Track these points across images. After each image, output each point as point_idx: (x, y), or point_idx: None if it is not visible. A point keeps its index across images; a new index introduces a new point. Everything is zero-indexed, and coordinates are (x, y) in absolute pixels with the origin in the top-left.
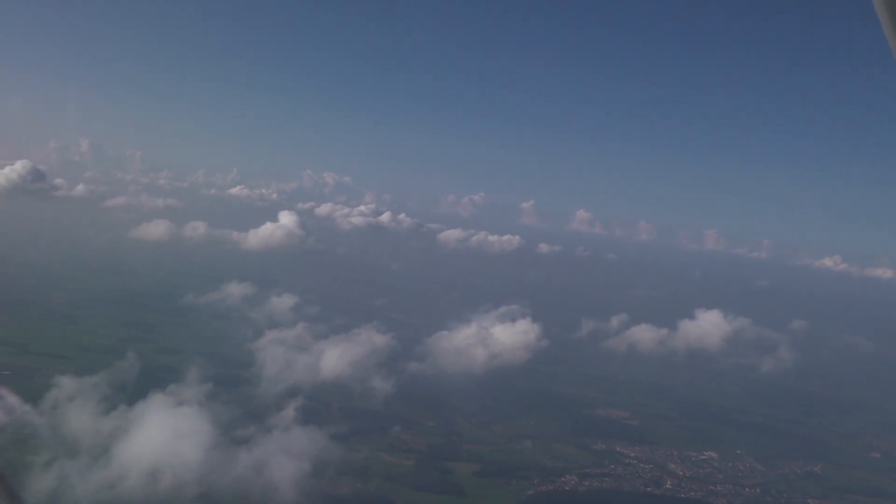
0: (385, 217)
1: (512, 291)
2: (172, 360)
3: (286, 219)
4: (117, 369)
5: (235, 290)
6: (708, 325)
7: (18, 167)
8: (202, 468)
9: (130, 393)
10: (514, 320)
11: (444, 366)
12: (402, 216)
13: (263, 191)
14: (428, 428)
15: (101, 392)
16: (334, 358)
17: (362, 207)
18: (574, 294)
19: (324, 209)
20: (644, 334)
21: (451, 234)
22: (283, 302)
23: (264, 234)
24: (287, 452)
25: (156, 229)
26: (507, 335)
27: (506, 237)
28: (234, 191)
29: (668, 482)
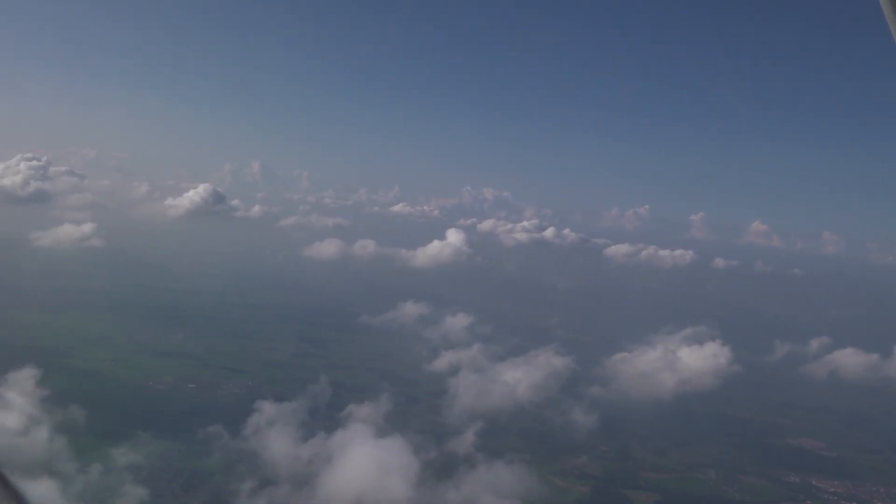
0: (549, 232)
1: (691, 310)
2: (342, 376)
3: (454, 236)
4: (310, 392)
5: (408, 309)
6: None
7: (201, 190)
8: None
9: (320, 414)
10: (701, 343)
11: (628, 391)
12: (566, 231)
13: (425, 208)
14: (601, 453)
15: (299, 415)
16: (513, 381)
17: (525, 223)
18: (761, 314)
19: (486, 225)
20: (849, 359)
21: (619, 249)
22: (458, 321)
23: (432, 251)
24: (477, 481)
25: (327, 248)
26: (694, 359)
27: (677, 252)
28: (397, 208)
29: None
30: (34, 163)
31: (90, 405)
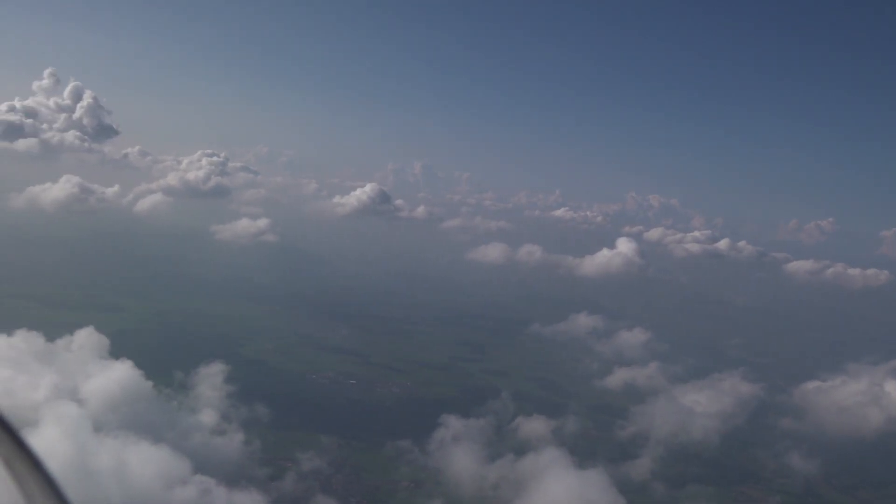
0: (723, 244)
1: (892, 338)
2: (501, 383)
3: (624, 245)
4: (491, 408)
5: (580, 320)
6: None
7: (368, 189)
8: None
9: (502, 431)
10: None
11: (823, 424)
12: (741, 243)
13: (587, 213)
14: (779, 485)
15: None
16: (696, 405)
17: (696, 233)
18: None
19: (654, 234)
20: None
21: (801, 266)
22: (634, 337)
23: (601, 260)
24: None
25: (492, 252)
26: None
27: (870, 271)
28: (559, 213)
29: None
30: (214, 159)
31: (265, 399)
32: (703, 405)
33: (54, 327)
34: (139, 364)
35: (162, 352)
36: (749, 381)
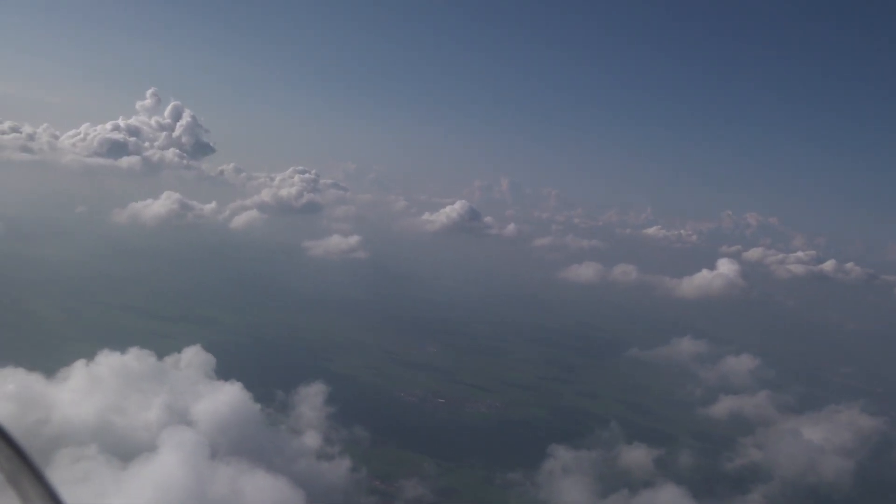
0: (829, 265)
1: None
2: (592, 405)
3: (725, 266)
4: (598, 438)
5: (683, 343)
6: None
7: (458, 207)
8: None
9: (604, 460)
10: None
11: None
12: (849, 265)
13: (681, 232)
14: None
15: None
16: (812, 438)
17: (800, 254)
18: None
19: (753, 254)
20: None
21: None
22: (740, 363)
23: (701, 282)
24: None
25: (585, 271)
26: None
27: None
28: (650, 231)
29: None
30: (306, 175)
31: (361, 419)
32: (819, 438)
33: (154, 338)
34: (238, 380)
35: (256, 366)
36: (868, 414)
